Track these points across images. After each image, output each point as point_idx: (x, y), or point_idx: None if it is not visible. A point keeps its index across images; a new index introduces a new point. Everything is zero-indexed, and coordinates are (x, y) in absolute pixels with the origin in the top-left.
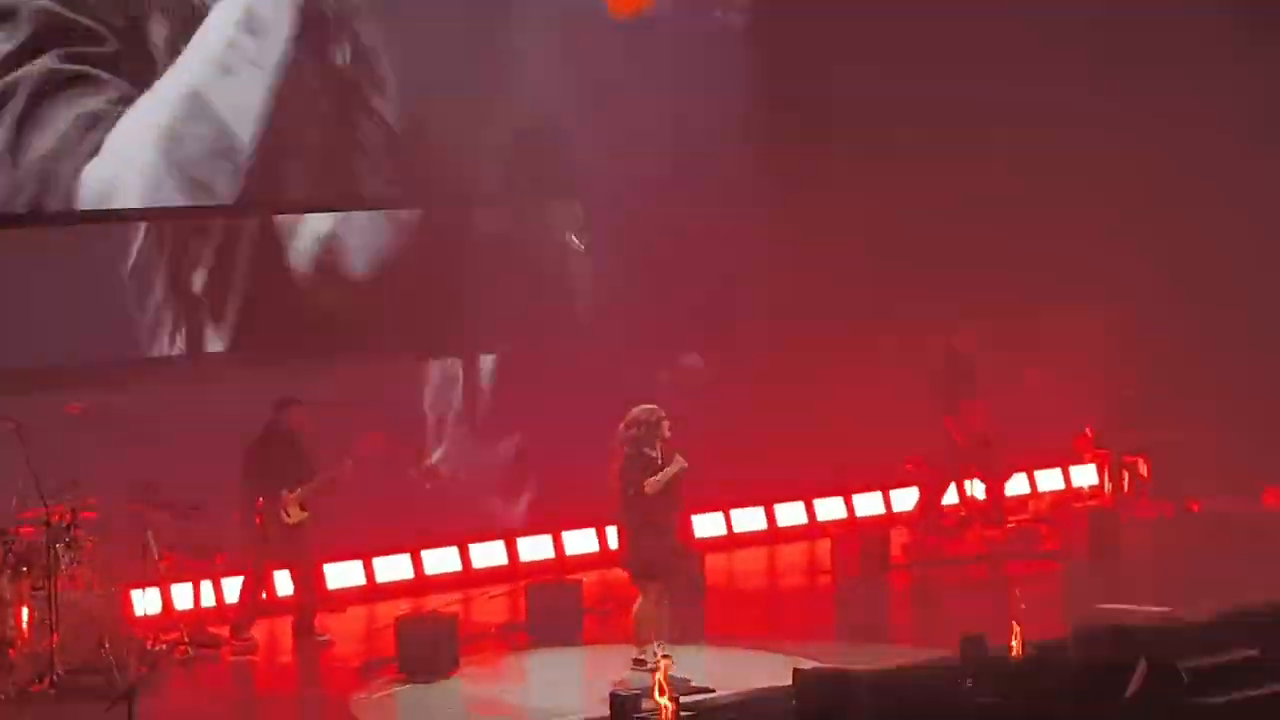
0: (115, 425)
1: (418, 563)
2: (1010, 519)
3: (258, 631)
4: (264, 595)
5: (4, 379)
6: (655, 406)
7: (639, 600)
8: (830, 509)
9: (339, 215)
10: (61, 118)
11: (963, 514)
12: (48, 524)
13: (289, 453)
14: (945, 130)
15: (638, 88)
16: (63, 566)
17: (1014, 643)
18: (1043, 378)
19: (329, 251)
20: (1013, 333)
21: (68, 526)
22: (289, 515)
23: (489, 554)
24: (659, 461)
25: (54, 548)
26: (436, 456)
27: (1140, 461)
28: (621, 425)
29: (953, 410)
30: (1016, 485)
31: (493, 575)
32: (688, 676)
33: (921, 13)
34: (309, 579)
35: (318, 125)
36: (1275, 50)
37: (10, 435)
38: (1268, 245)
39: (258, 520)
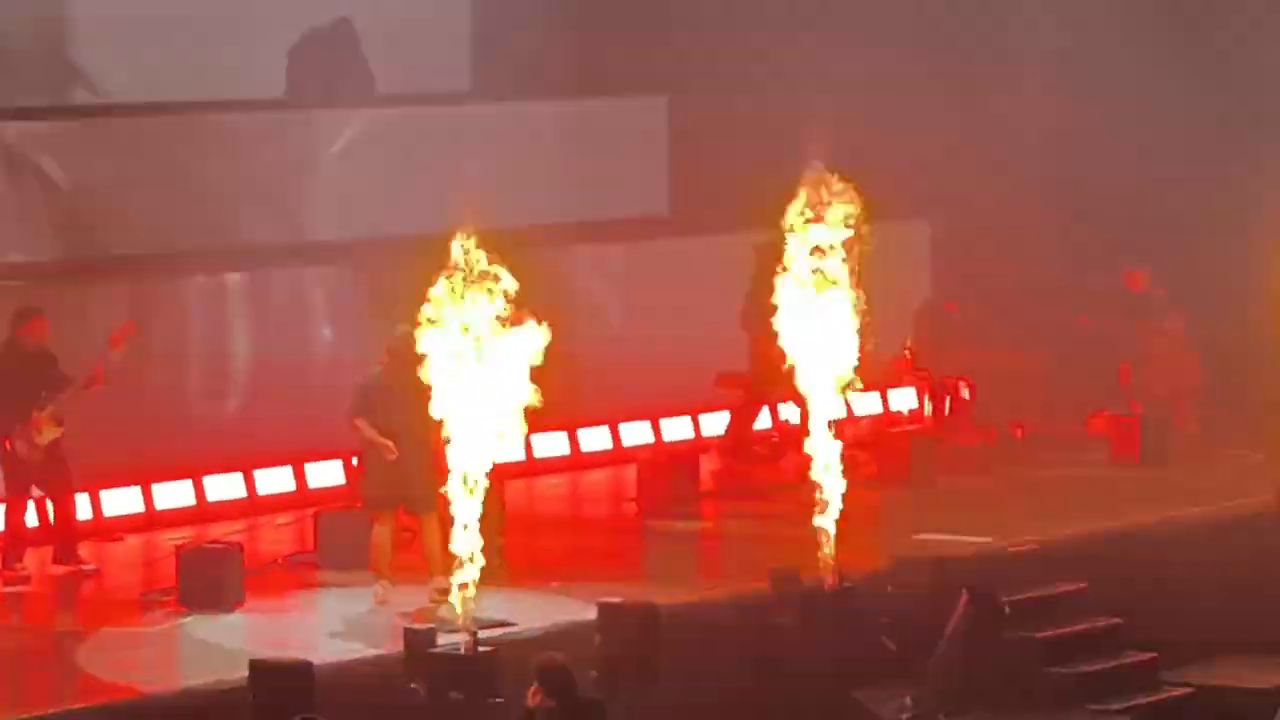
0: None
1: (200, 489)
2: None
3: (31, 561)
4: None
5: None
6: (411, 329)
7: (374, 529)
8: (637, 434)
9: None
10: None
11: (776, 439)
12: None
13: (34, 369)
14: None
15: None
16: None
17: (829, 576)
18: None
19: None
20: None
21: None
22: (40, 434)
23: (275, 480)
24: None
25: None
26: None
27: (962, 385)
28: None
29: (763, 329)
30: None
31: (280, 502)
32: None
33: None
34: (66, 501)
35: None
36: None
37: None
38: (1097, 165)
39: (6, 445)
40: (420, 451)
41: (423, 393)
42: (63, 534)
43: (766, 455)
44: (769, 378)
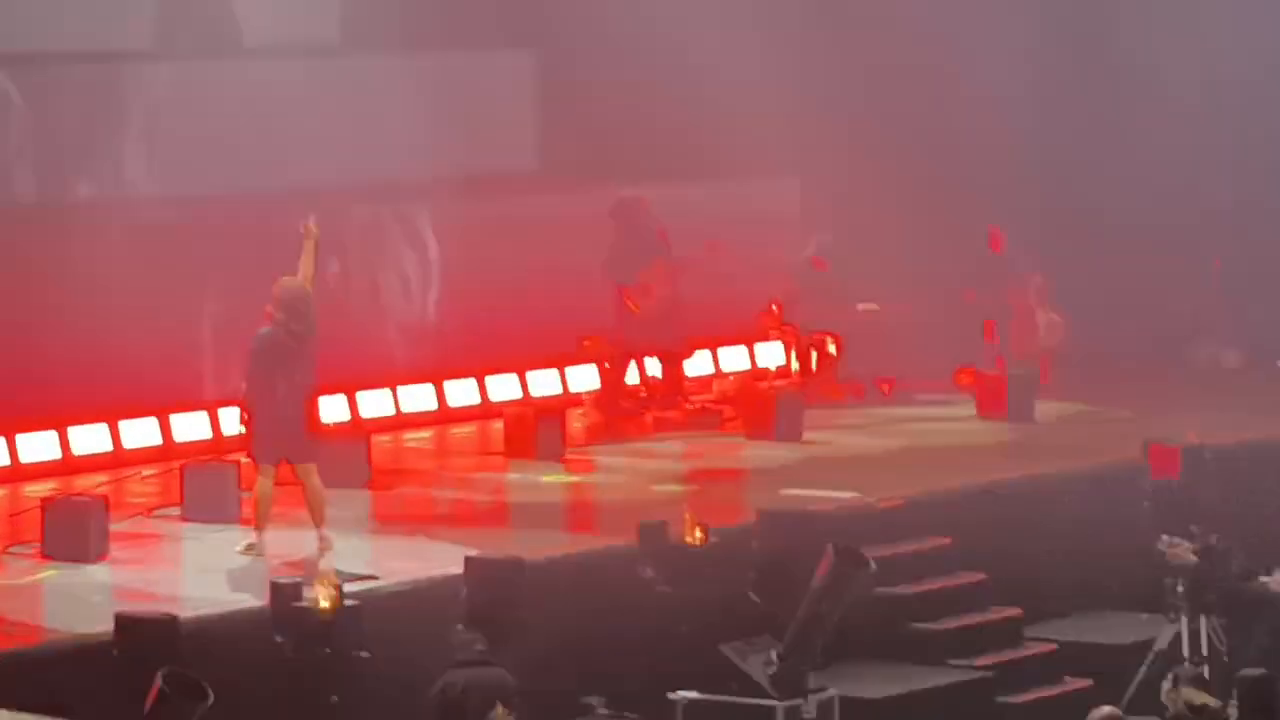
0: None
1: (65, 441)
2: (692, 400)
3: None
4: None
5: None
6: (299, 282)
7: (258, 481)
8: (504, 388)
9: None
10: None
11: (643, 394)
12: None
13: None
14: None
15: None
16: None
17: (695, 530)
18: (729, 249)
19: None
20: (698, 200)
21: None
22: None
23: (142, 433)
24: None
25: None
26: None
27: (829, 340)
28: (270, 303)
29: (628, 280)
30: (700, 365)
31: (146, 455)
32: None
33: None
34: None
35: None
36: None
37: None
38: (968, 119)
39: None
40: (302, 402)
41: (304, 344)
42: None
43: (633, 409)
44: (634, 333)
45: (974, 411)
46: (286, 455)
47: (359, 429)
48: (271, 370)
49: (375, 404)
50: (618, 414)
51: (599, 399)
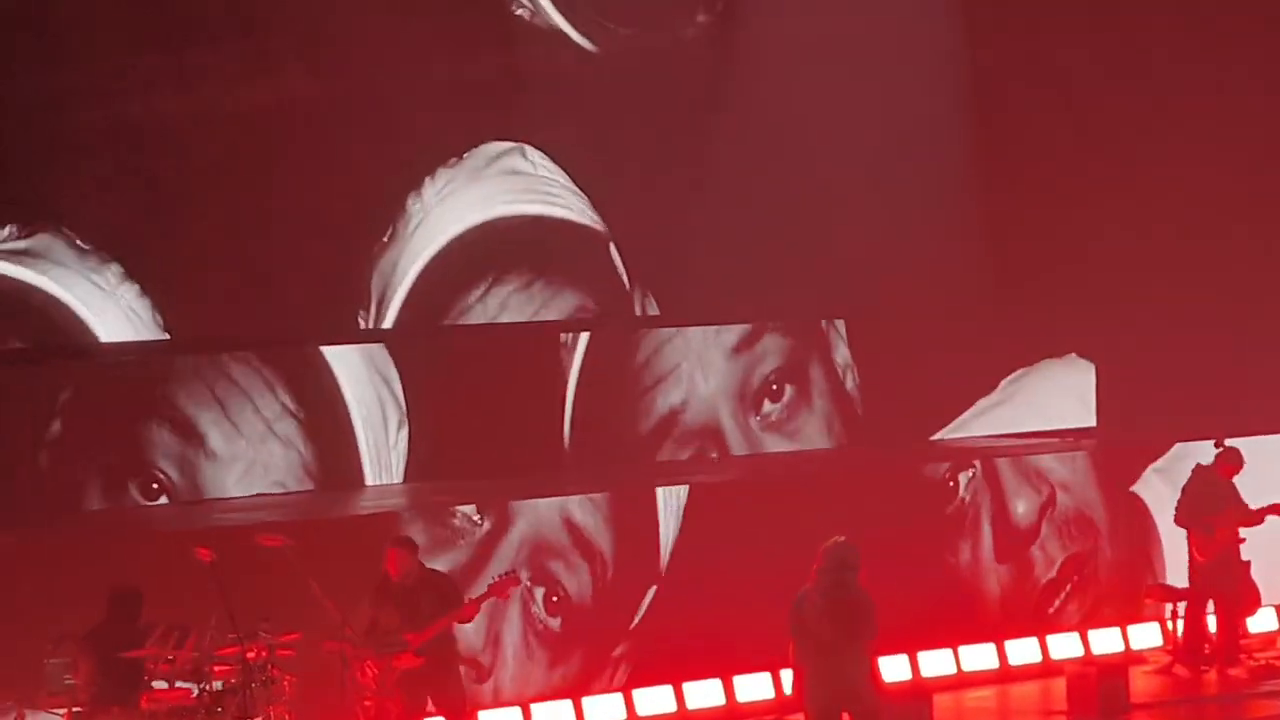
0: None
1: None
2: (1256, 656)
3: None
4: None
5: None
6: (848, 542)
7: None
8: (1065, 646)
9: None
10: None
11: (1206, 649)
12: (244, 662)
13: (403, 603)
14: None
15: None
16: (259, 708)
17: None
18: None
19: None
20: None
21: (265, 664)
22: (371, 675)
23: (704, 694)
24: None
25: (250, 687)
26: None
27: None
28: (815, 563)
29: (1198, 525)
30: (1264, 620)
31: (709, 716)
32: None
33: None
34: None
35: None
36: None
37: (205, 568)
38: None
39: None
40: (861, 660)
41: (841, 605)
42: None
43: (1197, 665)
44: (1197, 584)
45: None
46: (848, 714)
47: (921, 688)
48: (829, 629)
49: (937, 663)
50: (1180, 671)
51: (1163, 655)
